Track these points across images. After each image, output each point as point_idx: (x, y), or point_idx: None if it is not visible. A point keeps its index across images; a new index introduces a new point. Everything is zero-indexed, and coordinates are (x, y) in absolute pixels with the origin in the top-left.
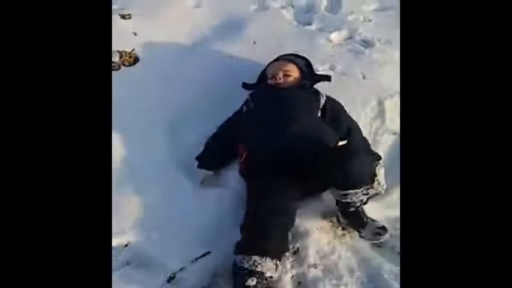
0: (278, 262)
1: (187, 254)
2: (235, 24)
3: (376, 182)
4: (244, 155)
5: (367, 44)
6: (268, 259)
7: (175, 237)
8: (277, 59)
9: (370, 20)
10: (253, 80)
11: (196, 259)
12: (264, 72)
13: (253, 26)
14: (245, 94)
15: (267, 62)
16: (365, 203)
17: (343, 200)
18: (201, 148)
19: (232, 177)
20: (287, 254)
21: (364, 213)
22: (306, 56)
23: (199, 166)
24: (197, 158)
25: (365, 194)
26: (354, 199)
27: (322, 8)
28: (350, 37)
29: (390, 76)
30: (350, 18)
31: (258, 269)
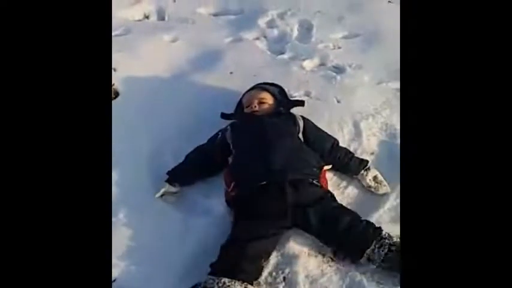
0: (249, 286)
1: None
2: (211, 56)
3: (378, 185)
4: (232, 185)
5: (338, 69)
6: (237, 283)
7: (163, 269)
8: (251, 89)
9: (339, 47)
10: (231, 109)
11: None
12: (240, 102)
13: (228, 57)
14: (224, 123)
15: (245, 91)
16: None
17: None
18: None
19: (220, 205)
20: (260, 280)
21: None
22: (279, 84)
23: (167, 180)
24: (168, 173)
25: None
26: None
27: (293, 37)
28: (322, 64)
29: (363, 99)
30: (320, 46)
31: None
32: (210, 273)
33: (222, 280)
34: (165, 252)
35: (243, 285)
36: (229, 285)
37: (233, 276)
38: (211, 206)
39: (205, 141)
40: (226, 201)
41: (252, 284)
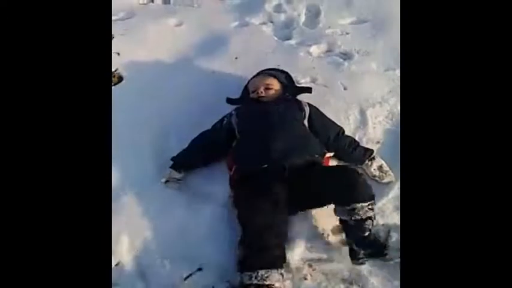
0: (282, 271)
1: (179, 271)
2: (217, 41)
3: (383, 174)
4: (233, 168)
5: (346, 56)
6: (273, 271)
7: (166, 255)
8: (258, 74)
9: (347, 33)
10: (236, 95)
11: (186, 277)
12: (246, 87)
13: (234, 42)
14: (228, 108)
15: (249, 77)
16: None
17: (352, 218)
18: None
19: (224, 191)
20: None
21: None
22: (286, 70)
23: (172, 166)
24: (172, 159)
25: (371, 209)
26: (361, 214)
27: (301, 23)
28: (329, 50)
29: (370, 86)
30: (328, 32)
31: (266, 283)
32: (239, 271)
33: (259, 273)
34: (166, 238)
35: (279, 271)
36: (267, 276)
37: (265, 267)
38: (215, 192)
39: (209, 126)
40: (231, 185)
41: (283, 268)
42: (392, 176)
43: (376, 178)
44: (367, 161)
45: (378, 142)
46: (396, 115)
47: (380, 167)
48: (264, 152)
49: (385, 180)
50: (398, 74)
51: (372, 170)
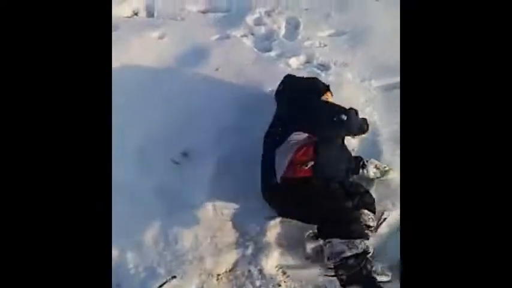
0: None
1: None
2: (198, 53)
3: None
4: (310, 164)
5: (323, 67)
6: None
7: (144, 261)
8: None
9: (325, 45)
10: (217, 104)
11: (160, 286)
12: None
13: (215, 54)
14: (208, 117)
15: (230, 88)
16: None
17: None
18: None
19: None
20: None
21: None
22: (265, 80)
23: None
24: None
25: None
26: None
27: (281, 35)
28: (308, 61)
29: (347, 96)
30: (307, 44)
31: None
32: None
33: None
34: (145, 246)
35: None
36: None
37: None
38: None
39: (188, 135)
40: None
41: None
42: (392, 170)
43: (380, 178)
44: (361, 170)
45: (352, 150)
46: (372, 124)
47: (376, 167)
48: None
49: (390, 177)
50: (374, 85)
51: (372, 173)
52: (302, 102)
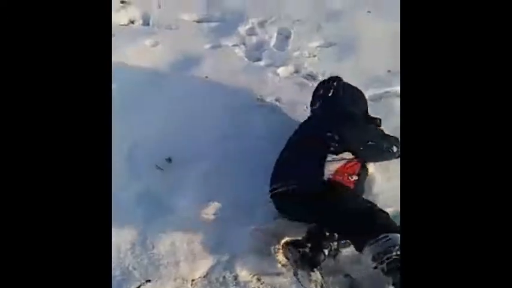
0: None
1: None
2: (190, 61)
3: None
4: (355, 178)
5: (311, 77)
6: None
7: (121, 264)
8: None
9: (314, 56)
10: (208, 110)
11: None
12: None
13: (206, 62)
14: (197, 124)
15: (221, 95)
16: None
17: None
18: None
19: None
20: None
21: None
22: (254, 88)
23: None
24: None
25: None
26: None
27: (271, 45)
28: (296, 71)
29: None
30: (296, 54)
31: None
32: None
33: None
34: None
35: None
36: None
37: None
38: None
39: (182, 142)
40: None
41: None
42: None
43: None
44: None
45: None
46: None
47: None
48: None
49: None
50: None
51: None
52: (356, 122)
